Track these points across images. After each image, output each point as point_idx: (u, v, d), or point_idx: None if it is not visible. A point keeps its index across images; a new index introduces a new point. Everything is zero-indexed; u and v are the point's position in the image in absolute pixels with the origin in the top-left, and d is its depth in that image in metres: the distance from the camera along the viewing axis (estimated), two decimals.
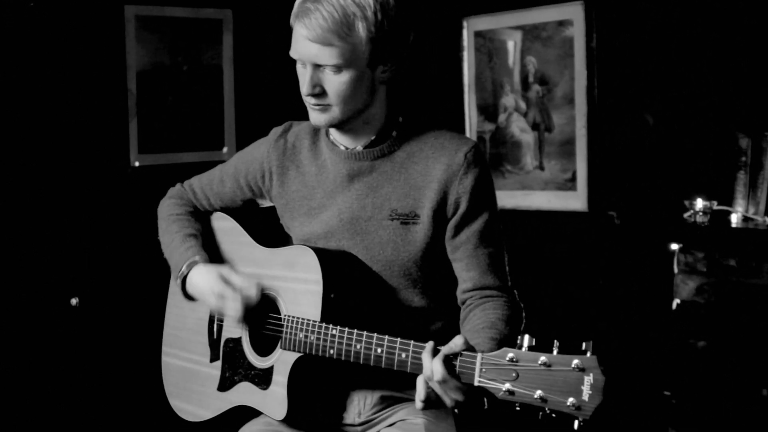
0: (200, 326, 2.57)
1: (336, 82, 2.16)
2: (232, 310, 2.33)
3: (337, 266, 2.26)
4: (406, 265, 2.27)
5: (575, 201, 4.23)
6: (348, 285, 2.25)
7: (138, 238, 3.92)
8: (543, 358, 1.81)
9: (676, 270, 3.58)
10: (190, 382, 2.59)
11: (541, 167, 4.34)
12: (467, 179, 2.22)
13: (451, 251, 2.28)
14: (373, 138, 2.29)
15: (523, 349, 1.85)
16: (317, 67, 2.16)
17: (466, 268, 2.27)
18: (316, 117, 2.23)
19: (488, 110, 4.52)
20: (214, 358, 2.51)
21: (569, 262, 4.26)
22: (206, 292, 2.37)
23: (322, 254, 2.25)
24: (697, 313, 3.50)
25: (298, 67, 2.22)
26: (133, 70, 4.12)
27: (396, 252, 2.26)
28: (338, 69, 2.14)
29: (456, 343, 1.95)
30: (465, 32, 4.55)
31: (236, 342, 2.45)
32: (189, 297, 2.47)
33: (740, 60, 3.74)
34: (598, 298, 4.15)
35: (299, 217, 2.39)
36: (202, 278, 2.39)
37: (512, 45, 4.40)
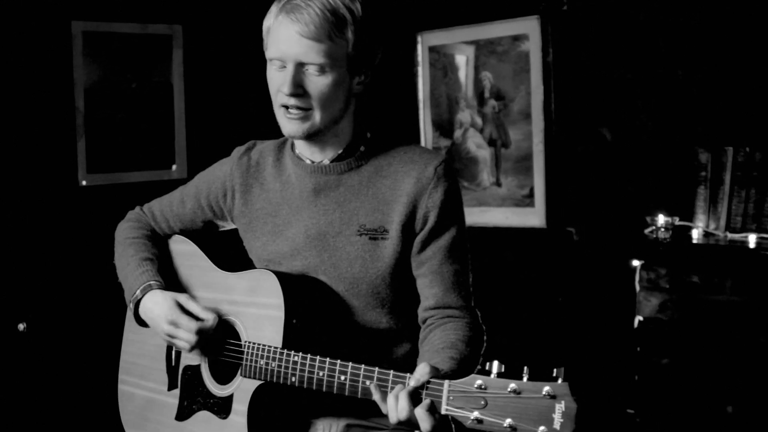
0: (158, 353, 2.48)
1: (319, 83, 2.11)
2: (184, 340, 2.27)
3: (300, 290, 2.19)
4: (375, 282, 2.20)
5: (533, 217, 4.20)
6: (311, 310, 2.18)
7: (88, 260, 3.85)
8: (512, 385, 1.75)
9: (637, 287, 3.55)
10: (148, 411, 2.50)
11: (498, 183, 4.30)
12: (437, 193, 2.18)
13: (415, 267, 2.23)
14: (340, 152, 2.24)
15: (492, 375, 1.79)
16: (301, 66, 2.10)
17: (430, 284, 2.21)
18: (292, 127, 2.16)
19: (444, 126, 4.47)
20: (172, 386, 2.43)
21: (528, 280, 4.22)
22: (159, 317, 2.29)
23: (283, 278, 2.18)
24: (660, 330, 3.47)
25: (273, 70, 2.16)
26: (80, 88, 4.01)
27: (364, 268, 2.20)
28: (322, 70, 2.10)
29: (422, 373, 1.89)
30: (419, 47, 4.51)
31: (195, 369, 2.37)
32: (141, 323, 2.39)
33: (699, 74, 3.73)
34: (557, 315, 4.11)
35: (263, 235, 2.32)
36: (157, 304, 2.31)
37: (467, 60, 4.36)
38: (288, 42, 2.08)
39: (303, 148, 2.27)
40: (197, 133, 4.41)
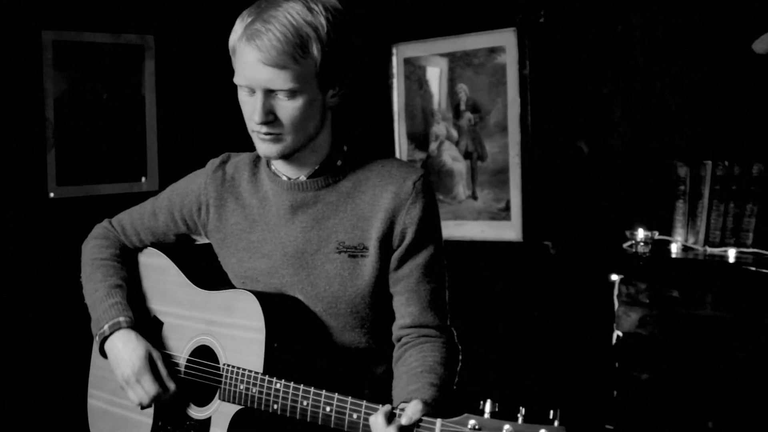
0: None
1: (289, 108, 2.04)
2: (138, 396, 2.26)
3: (281, 312, 2.13)
4: (354, 301, 2.15)
5: (509, 231, 4.16)
6: (292, 333, 2.13)
7: (57, 274, 3.78)
8: (507, 426, 1.70)
9: (616, 301, 3.52)
10: (119, 428, 2.44)
11: (473, 197, 4.26)
12: (415, 209, 2.13)
13: (392, 284, 2.18)
14: (317, 167, 2.18)
15: (486, 415, 1.74)
16: (269, 92, 2.03)
17: (406, 303, 2.17)
18: (267, 148, 2.09)
19: (419, 139, 4.43)
20: (146, 405, 2.36)
21: (504, 294, 4.18)
22: (124, 363, 2.25)
23: (264, 299, 2.12)
24: (640, 345, 3.45)
25: (243, 95, 2.09)
26: (50, 98, 3.94)
27: (343, 287, 2.15)
28: (292, 94, 2.03)
29: (414, 411, 1.84)
30: (394, 59, 4.46)
31: None
32: (105, 356, 2.33)
33: (677, 87, 3.71)
34: (534, 330, 4.07)
35: (238, 252, 2.26)
36: (129, 348, 2.26)
37: (443, 72, 4.32)
38: (252, 70, 2.01)
39: (279, 165, 2.21)
40: (169, 145, 4.35)
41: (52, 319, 3.91)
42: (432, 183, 2.21)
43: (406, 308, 2.17)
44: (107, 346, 2.29)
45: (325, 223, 2.17)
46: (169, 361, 2.31)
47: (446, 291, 2.22)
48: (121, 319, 2.29)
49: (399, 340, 2.19)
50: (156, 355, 2.27)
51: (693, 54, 3.67)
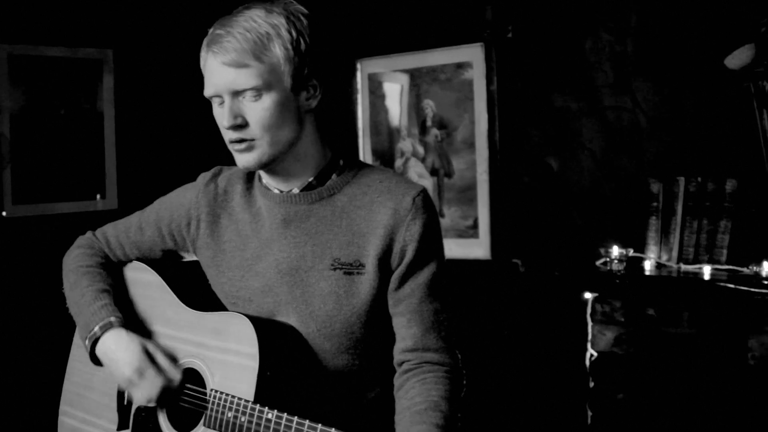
0: (108, 387, 2.31)
1: (258, 110, 1.98)
2: (145, 392, 2.13)
3: (275, 339, 2.03)
4: (349, 320, 2.06)
5: (478, 248, 4.11)
6: (286, 361, 2.03)
7: (9, 296, 3.66)
8: None
9: (589, 320, 3.48)
10: None
11: (441, 214, 4.21)
12: (415, 226, 2.04)
13: (392, 305, 2.09)
14: (310, 180, 2.10)
15: None
16: (236, 95, 1.98)
17: (408, 324, 2.08)
18: (242, 159, 2.03)
19: (384, 155, 4.36)
20: (122, 426, 2.27)
21: (473, 313, 4.12)
22: (122, 362, 2.13)
23: (258, 324, 2.02)
24: (615, 364, 3.41)
25: (215, 107, 2.03)
26: (6, 114, 3.84)
27: (338, 306, 2.06)
28: (258, 93, 1.97)
29: None
30: (359, 74, 4.41)
31: (150, 411, 2.20)
32: (96, 361, 2.21)
33: (648, 102, 3.69)
34: (504, 350, 4.02)
35: (229, 270, 2.17)
36: (122, 346, 2.15)
37: (408, 88, 4.27)
38: (216, 75, 1.97)
39: (268, 178, 2.14)
40: (128, 162, 4.25)
41: (9, 338, 3.80)
42: (431, 199, 2.13)
43: (407, 330, 2.08)
44: (99, 349, 2.18)
45: (319, 238, 2.09)
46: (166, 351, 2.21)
47: (450, 311, 2.14)
48: (112, 319, 2.19)
49: (400, 365, 2.11)
50: (152, 347, 2.17)
51: (664, 69, 3.66)
